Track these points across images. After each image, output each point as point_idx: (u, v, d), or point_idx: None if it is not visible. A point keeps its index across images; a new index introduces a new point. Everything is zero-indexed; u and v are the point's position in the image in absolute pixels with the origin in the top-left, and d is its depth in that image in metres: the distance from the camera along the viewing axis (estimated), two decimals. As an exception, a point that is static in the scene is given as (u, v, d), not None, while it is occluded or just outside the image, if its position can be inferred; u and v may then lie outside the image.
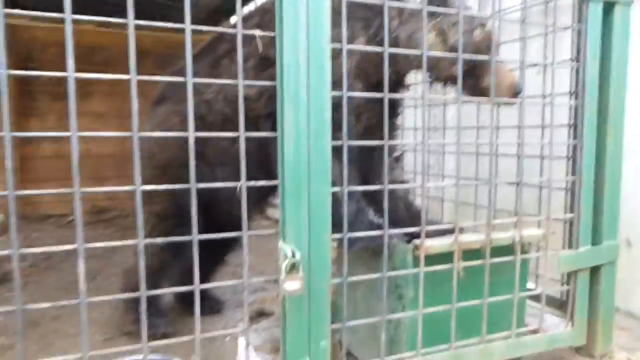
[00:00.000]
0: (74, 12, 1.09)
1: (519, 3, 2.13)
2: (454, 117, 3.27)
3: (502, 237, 1.74)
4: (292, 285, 1.26)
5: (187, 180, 2.20)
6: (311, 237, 1.35)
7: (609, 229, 1.95)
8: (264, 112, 1.93)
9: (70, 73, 1.14)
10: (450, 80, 1.92)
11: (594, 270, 1.97)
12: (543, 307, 1.88)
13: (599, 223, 1.94)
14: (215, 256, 2.69)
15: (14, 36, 5.53)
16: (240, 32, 1.30)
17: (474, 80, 1.91)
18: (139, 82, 1.17)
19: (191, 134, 1.28)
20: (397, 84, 2.01)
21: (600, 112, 1.90)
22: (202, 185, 1.30)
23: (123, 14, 1.14)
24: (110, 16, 1.22)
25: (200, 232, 2.33)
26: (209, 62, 2.26)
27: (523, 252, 1.80)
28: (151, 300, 2.27)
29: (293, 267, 1.27)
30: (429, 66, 1.69)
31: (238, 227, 1.71)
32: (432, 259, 1.60)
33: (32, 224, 5.18)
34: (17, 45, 5.60)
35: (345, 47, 1.41)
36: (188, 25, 1.25)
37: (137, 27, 1.14)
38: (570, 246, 1.94)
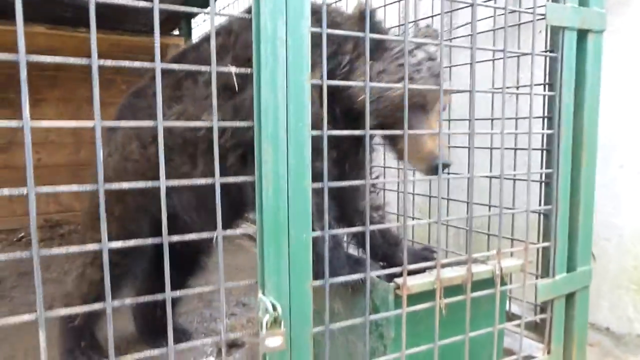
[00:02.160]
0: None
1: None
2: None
3: (482, 270, 1.71)
4: (273, 341, 1.18)
5: (147, 208, 2.23)
6: (292, 288, 1.27)
7: (582, 255, 1.95)
8: (230, 144, 1.83)
9: (26, 122, 1.02)
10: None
11: (569, 296, 1.97)
12: (522, 336, 1.87)
13: (573, 250, 1.93)
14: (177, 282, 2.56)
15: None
16: (214, 69, 1.21)
17: (388, 139, 1.82)
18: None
19: (162, 173, 1.18)
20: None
21: (575, 139, 1.89)
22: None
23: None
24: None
25: (153, 255, 2.38)
26: (170, 83, 2.12)
27: (502, 283, 1.78)
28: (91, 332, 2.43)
29: (274, 322, 1.19)
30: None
31: (196, 248, 1.61)
32: (413, 297, 1.55)
33: (-20, 240, 4.87)
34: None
35: (326, 82, 1.34)
36: (158, 64, 1.15)
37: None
38: (546, 274, 1.93)
